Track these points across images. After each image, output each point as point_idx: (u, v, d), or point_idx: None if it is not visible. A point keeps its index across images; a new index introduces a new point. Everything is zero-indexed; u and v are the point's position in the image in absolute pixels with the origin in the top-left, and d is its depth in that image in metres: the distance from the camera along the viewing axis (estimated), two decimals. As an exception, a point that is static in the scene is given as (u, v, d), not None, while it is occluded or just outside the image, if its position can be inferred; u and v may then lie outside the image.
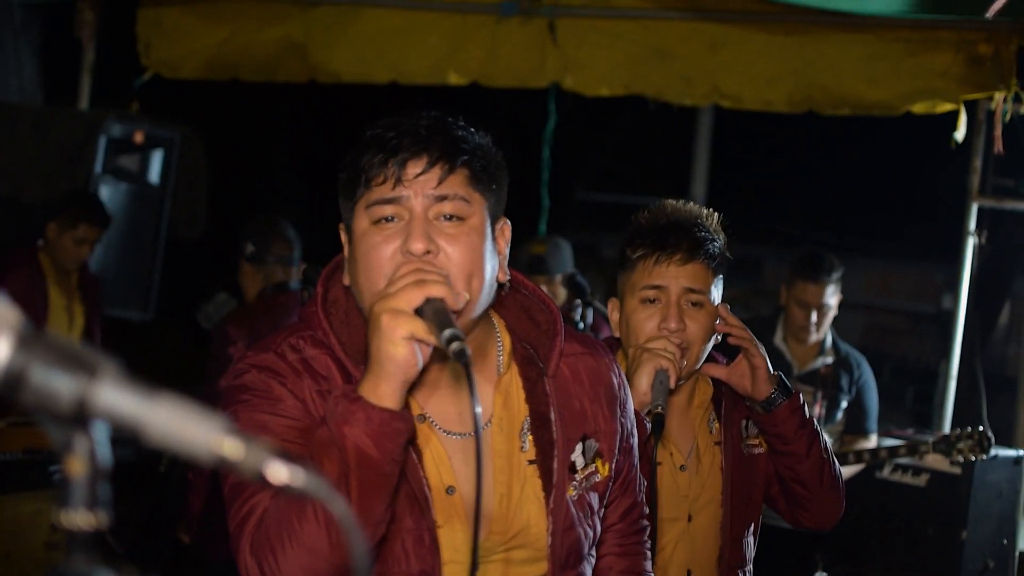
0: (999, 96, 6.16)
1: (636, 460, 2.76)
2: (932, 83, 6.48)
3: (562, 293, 7.05)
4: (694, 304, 3.36)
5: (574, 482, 2.53)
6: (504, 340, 2.57)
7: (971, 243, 6.57)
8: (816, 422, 3.51)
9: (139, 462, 6.63)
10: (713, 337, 3.43)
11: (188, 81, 8.28)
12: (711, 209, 3.53)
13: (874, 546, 5.88)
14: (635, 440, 2.73)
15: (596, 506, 2.60)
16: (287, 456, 1.31)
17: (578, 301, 5.61)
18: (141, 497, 7.05)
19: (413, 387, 2.30)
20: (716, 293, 3.43)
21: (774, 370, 3.45)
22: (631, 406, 2.74)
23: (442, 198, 2.35)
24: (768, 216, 13.58)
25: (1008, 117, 6.17)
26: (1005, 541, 5.71)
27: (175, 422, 1.29)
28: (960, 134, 6.35)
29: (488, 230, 2.43)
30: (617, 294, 3.52)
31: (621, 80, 7.29)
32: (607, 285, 7.60)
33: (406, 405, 2.26)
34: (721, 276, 3.45)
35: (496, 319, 2.58)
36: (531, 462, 2.51)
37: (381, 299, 2.22)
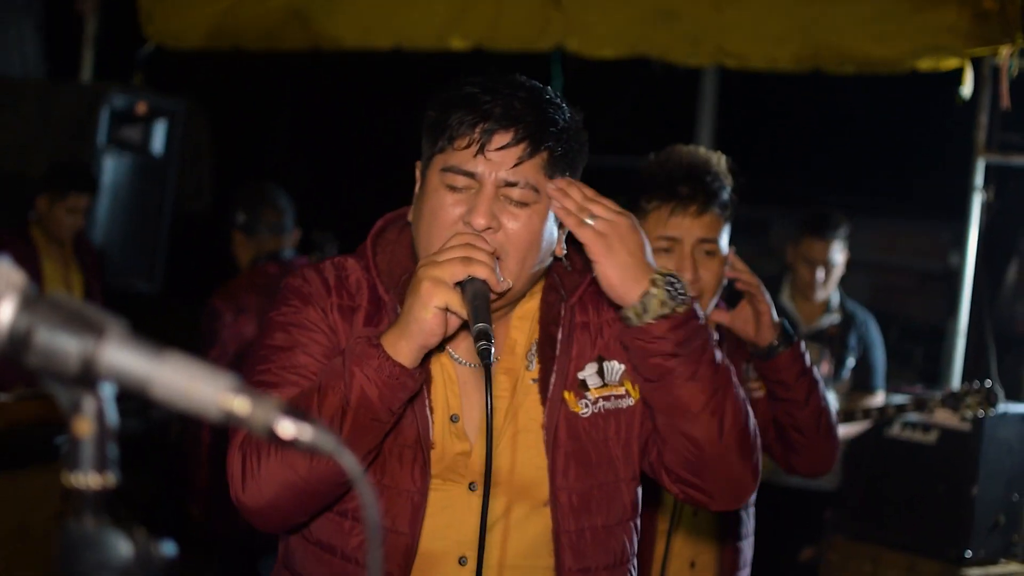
0: (1005, 51, 6.13)
1: None
2: (938, 39, 6.44)
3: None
4: (707, 253, 3.39)
5: (584, 399, 2.54)
6: (539, 284, 2.63)
7: (978, 199, 6.54)
8: (815, 371, 3.52)
9: (147, 433, 6.65)
10: (722, 284, 3.45)
11: (191, 53, 8.26)
12: (719, 152, 3.54)
13: (884, 504, 5.89)
14: None
15: (625, 435, 2.58)
16: (295, 411, 1.31)
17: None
18: (149, 469, 7.08)
19: None
20: (725, 240, 3.45)
21: (778, 317, 3.47)
22: None
23: (512, 184, 2.43)
24: (774, 177, 13.56)
25: (1015, 72, 6.14)
26: (1016, 497, 5.71)
27: (182, 380, 1.29)
28: (967, 90, 6.32)
29: (552, 214, 2.48)
30: None
31: (626, 41, 7.25)
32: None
33: (420, 363, 2.35)
34: (729, 222, 3.46)
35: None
36: (534, 380, 2.55)
37: (427, 264, 2.33)
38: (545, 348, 2.56)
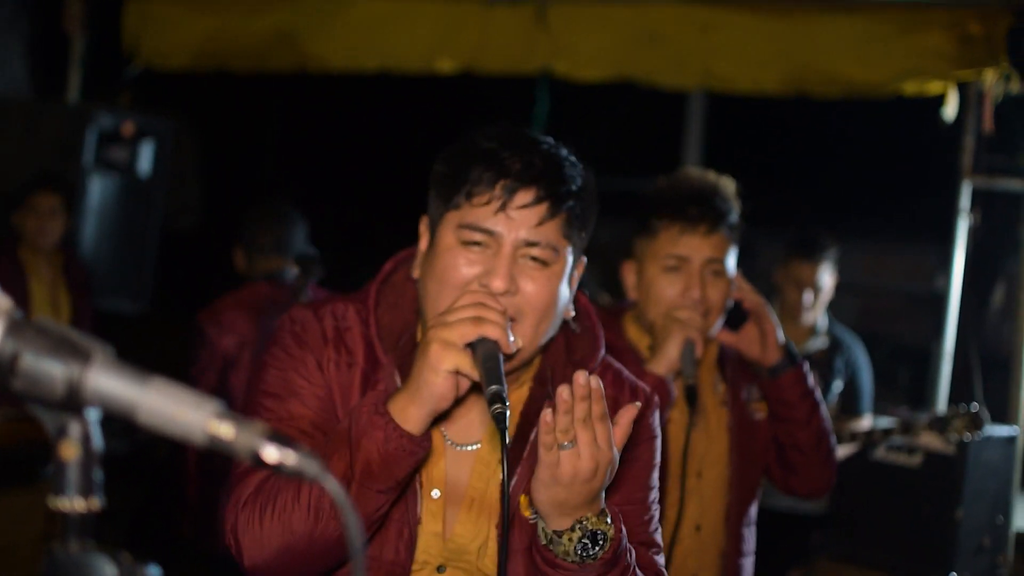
0: (990, 74, 6.16)
1: (639, 498, 2.55)
2: (923, 63, 6.47)
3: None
4: (715, 273, 3.45)
5: None
6: (535, 364, 2.56)
7: (964, 222, 6.56)
8: (818, 392, 3.57)
9: (134, 454, 6.63)
10: (728, 304, 3.52)
11: (178, 73, 8.26)
12: (728, 176, 3.62)
13: (870, 527, 5.89)
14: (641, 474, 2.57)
15: None
16: (279, 437, 1.31)
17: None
18: (136, 490, 7.05)
19: None
20: (733, 261, 3.51)
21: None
22: (645, 450, 2.58)
23: (533, 244, 2.37)
24: (760, 199, 13.57)
25: (1000, 96, 6.17)
26: (1001, 519, 5.71)
27: (168, 405, 1.29)
28: (951, 111, 6.35)
29: (567, 275, 2.45)
30: (634, 257, 3.60)
31: (612, 64, 7.28)
32: (600, 272, 7.61)
33: (427, 429, 2.28)
34: (736, 244, 3.54)
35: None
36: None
37: (437, 326, 2.25)
38: (515, 447, 2.47)
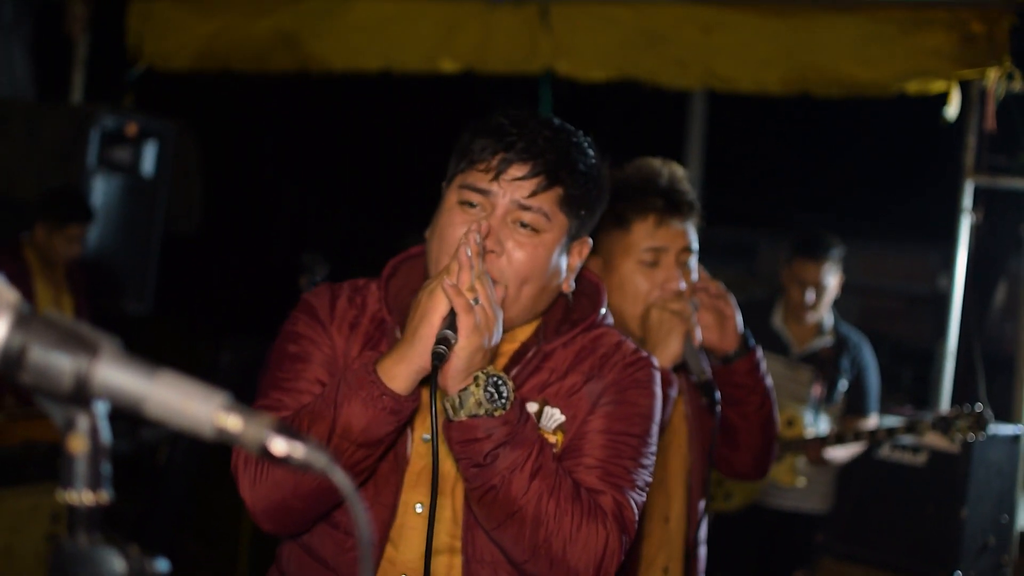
0: (992, 73, 6.16)
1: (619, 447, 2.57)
2: (925, 62, 6.47)
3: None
4: (687, 262, 3.44)
5: None
6: (533, 324, 2.66)
7: (966, 222, 6.56)
8: (769, 378, 3.55)
9: (136, 455, 6.64)
10: None
11: (181, 75, 8.27)
12: (677, 163, 3.56)
13: (874, 526, 5.89)
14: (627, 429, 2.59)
15: None
16: (287, 429, 1.31)
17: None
18: (138, 491, 7.06)
19: None
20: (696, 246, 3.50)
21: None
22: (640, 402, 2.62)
23: (526, 208, 2.49)
24: (762, 200, 13.57)
25: (1002, 94, 6.17)
26: (1005, 518, 5.72)
27: (176, 398, 1.29)
28: (953, 111, 6.35)
29: (561, 247, 2.56)
30: (599, 253, 3.47)
31: (614, 64, 7.28)
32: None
33: (415, 390, 2.38)
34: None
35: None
36: None
37: (425, 285, 2.38)
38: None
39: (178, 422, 1.30)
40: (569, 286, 2.64)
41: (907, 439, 5.74)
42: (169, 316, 9.50)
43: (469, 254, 2.35)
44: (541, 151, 2.49)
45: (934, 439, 5.63)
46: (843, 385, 6.28)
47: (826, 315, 6.39)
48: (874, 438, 5.69)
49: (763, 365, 3.54)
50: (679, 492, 3.53)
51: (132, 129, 8.32)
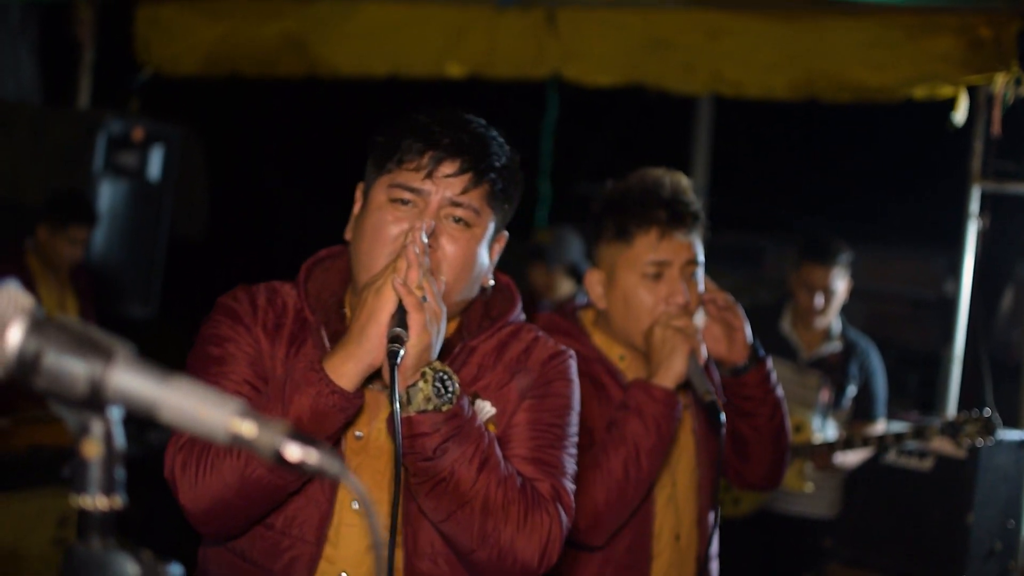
0: (1000, 79, 6.15)
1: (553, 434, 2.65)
2: (933, 67, 6.47)
3: (566, 284, 7.06)
4: (693, 275, 3.38)
5: None
6: (452, 324, 2.70)
7: (973, 227, 6.55)
8: (780, 388, 3.51)
9: (143, 459, 6.64)
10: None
11: (187, 80, 8.28)
12: (681, 173, 3.50)
13: (880, 531, 5.89)
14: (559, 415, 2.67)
15: None
16: (301, 436, 1.32)
17: (580, 288, 5.63)
18: (148, 494, 7.05)
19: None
20: (703, 258, 3.44)
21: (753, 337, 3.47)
22: (560, 392, 2.69)
23: (457, 204, 2.54)
24: (769, 204, 13.58)
25: (1010, 100, 6.16)
26: (1012, 524, 5.70)
27: (190, 404, 1.29)
28: (960, 116, 6.34)
29: (487, 241, 2.63)
30: (600, 266, 3.45)
31: (621, 69, 7.29)
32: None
33: (361, 388, 2.43)
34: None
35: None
36: None
37: (371, 283, 2.43)
38: None
39: (192, 428, 1.30)
40: (489, 281, 2.69)
41: (913, 444, 5.73)
42: (174, 320, 9.48)
43: (417, 252, 2.40)
44: (468, 148, 2.55)
45: (941, 444, 5.62)
46: (851, 390, 6.28)
47: (834, 320, 6.39)
48: (882, 443, 5.68)
49: (774, 376, 3.48)
50: (689, 509, 3.49)
51: (138, 134, 8.33)
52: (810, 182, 13.72)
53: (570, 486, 2.60)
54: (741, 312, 3.45)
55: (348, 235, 2.66)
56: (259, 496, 2.43)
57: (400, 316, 2.36)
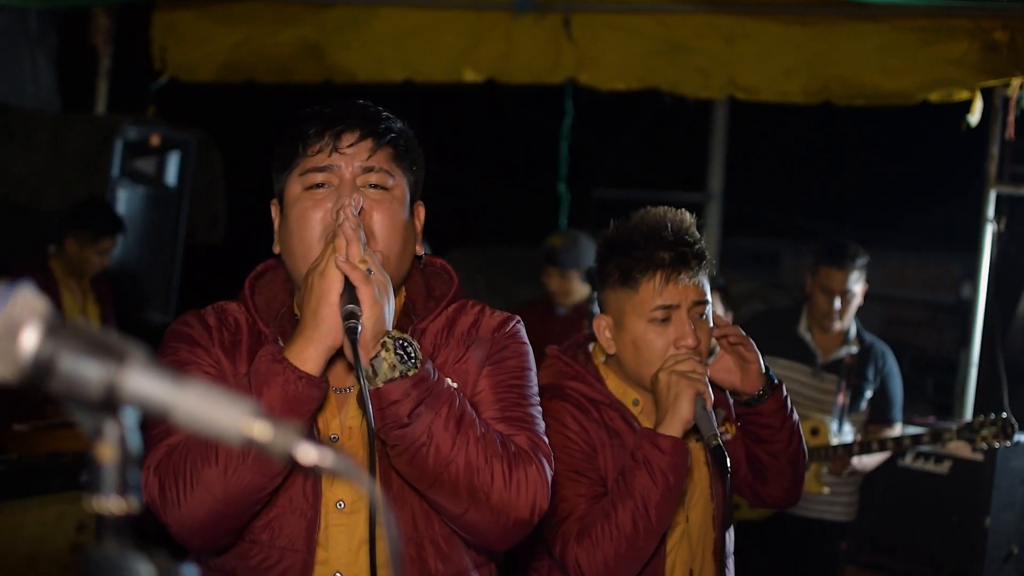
0: (1015, 82, 6.14)
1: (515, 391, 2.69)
2: (948, 71, 6.47)
3: (580, 288, 7.06)
4: (701, 315, 3.33)
5: None
6: (397, 303, 2.71)
7: (989, 231, 6.54)
8: (795, 412, 3.49)
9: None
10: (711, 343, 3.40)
11: (203, 86, 8.31)
12: (683, 209, 3.44)
13: (897, 534, 5.88)
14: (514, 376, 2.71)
15: None
16: (314, 438, 1.32)
17: (595, 295, 5.62)
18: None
19: None
20: (710, 297, 3.41)
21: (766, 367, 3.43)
22: (518, 353, 2.74)
23: (369, 169, 2.59)
24: (785, 209, 13.57)
25: (1025, 104, 6.15)
26: (1029, 527, 5.70)
27: (204, 407, 1.30)
28: (974, 118, 6.33)
29: (407, 204, 2.66)
30: (608, 311, 3.41)
31: (637, 74, 7.30)
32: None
33: (324, 372, 2.45)
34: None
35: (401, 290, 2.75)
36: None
37: (312, 270, 2.45)
38: None
39: (206, 430, 1.31)
40: (422, 248, 2.73)
41: (930, 448, 5.73)
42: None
43: (352, 228, 2.44)
44: (363, 117, 2.61)
45: (957, 448, 5.62)
46: (868, 394, 6.27)
47: (851, 324, 6.38)
48: (899, 446, 5.67)
49: (789, 402, 3.46)
50: (704, 541, 3.46)
51: (156, 140, 8.35)
52: (826, 187, 13.70)
53: (543, 437, 2.63)
54: (753, 345, 3.42)
55: (276, 248, 2.67)
56: (246, 500, 2.44)
57: (349, 293, 2.39)
